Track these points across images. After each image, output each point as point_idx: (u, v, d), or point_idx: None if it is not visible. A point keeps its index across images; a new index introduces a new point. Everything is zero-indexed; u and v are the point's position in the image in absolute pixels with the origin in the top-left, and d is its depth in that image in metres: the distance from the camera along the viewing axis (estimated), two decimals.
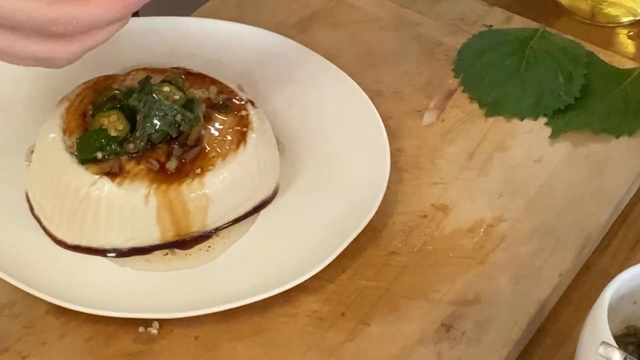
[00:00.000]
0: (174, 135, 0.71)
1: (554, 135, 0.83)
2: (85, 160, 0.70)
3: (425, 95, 0.86)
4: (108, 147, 0.70)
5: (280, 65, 0.84)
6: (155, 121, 0.71)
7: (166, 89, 0.72)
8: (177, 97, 0.72)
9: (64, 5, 0.60)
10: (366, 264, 0.73)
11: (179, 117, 0.71)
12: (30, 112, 0.78)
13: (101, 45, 0.81)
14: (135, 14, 0.77)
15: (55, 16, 0.60)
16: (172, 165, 0.71)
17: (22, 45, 0.61)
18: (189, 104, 0.72)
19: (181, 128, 0.72)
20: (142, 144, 0.71)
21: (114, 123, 0.70)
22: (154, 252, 0.71)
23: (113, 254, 0.71)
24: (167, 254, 0.72)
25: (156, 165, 0.70)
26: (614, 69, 0.89)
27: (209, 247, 0.73)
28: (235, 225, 0.74)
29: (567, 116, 0.85)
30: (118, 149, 0.70)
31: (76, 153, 0.70)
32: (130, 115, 0.72)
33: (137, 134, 0.71)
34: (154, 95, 0.71)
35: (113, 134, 0.70)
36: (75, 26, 0.61)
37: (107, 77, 0.76)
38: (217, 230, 0.73)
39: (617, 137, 0.84)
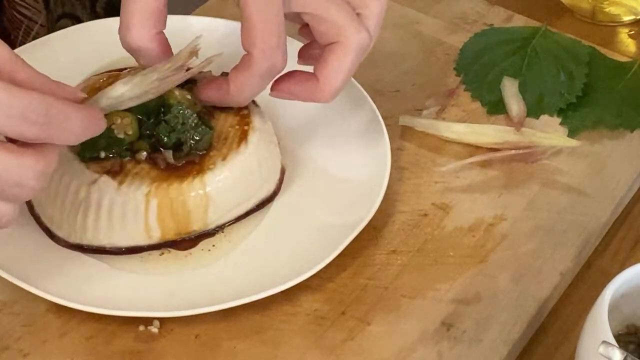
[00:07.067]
0: (192, 144, 0.71)
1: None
2: (87, 157, 0.70)
3: (426, 94, 0.86)
4: (112, 149, 0.70)
5: None
6: (178, 135, 0.70)
7: (176, 92, 0.72)
8: (192, 106, 0.72)
9: None
10: (366, 263, 0.73)
11: (197, 136, 0.71)
12: None
13: (101, 45, 0.81)
14: None
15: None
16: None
17: None
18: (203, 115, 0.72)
19: (198, 142, 0.71)
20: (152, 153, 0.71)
21: (125, 126, 0.70)
22: (151, 252, 0.71)
23: (113, 253, 0.71)
24: (162, 253, 0.71)
25: (157, 165, 0.70)
26: (617, 62, 0.89)
27: (213, 245, 0.72)
28: (239, 226, 0.73)
29: (579, 114, 0.85)
30: (124, 153, 0.70)
31: (80, 150, 0.70)
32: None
33: (150, 140, 0.70)
34: (176, 114, 0.71)
35: (120, 136, 0.70)
36: None
37: (109, 76, 0.76)
38: (218, 228, 0.73)
39: (632, 131, 0.84)
